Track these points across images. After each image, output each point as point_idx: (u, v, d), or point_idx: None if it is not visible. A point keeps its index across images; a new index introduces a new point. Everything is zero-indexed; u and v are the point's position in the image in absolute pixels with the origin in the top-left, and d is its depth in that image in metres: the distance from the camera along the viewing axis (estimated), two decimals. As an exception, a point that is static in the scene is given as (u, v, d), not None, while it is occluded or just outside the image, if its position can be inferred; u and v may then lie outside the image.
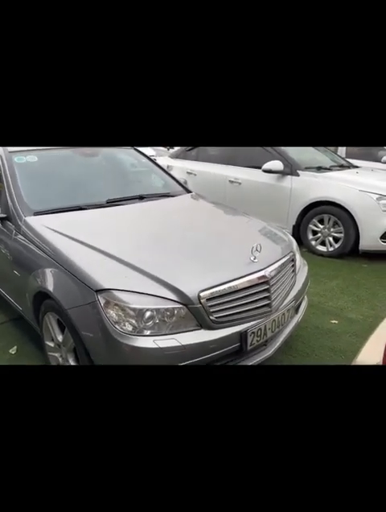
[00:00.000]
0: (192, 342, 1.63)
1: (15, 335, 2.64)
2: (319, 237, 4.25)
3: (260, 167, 4.42)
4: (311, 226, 4.26)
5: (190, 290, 1.67)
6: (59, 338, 1.95)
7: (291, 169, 4.31)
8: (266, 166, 4.34)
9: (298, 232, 4.34)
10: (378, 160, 6.14)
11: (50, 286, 1.84)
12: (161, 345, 1.57)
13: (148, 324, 1.61)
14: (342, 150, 6.56)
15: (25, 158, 2.52)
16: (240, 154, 4.78)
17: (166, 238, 2.11)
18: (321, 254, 4.22)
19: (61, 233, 2.00)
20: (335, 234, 4.12)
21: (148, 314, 1.61)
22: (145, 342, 1.58)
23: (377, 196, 3.84)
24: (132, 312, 1.59)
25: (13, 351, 2.46)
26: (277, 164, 4.29)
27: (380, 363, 1.19)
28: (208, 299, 1.69)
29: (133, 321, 1.60)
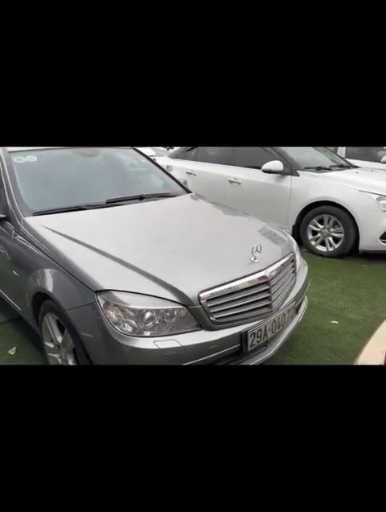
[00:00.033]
0: (192, 343, 1.62)
1: (14, 336, 2.63)
2: (319, 238, 4.24)
3: (259, 167, 4.42)
4: (311, 226, 4.26)
5: (190, 290, 1.67)
6: (59, 339, 1.95)
7: (291, 169, 4.31)
8: (266, 166, 4.33)
9: (298, 232, 4.34)
10: (377, 160, 6.14)
11: (49, 286, 1.83)
12: (161, 346, 1.57)
13: (148, 324, 1.60)
14: (341, 151, 6.56)
15: (24, 159, 2.51)
16: (240, 155, 4.78)
17: (165, 239, 2.10)
18: (321, 254, 4.21)
19: (60, 234, 1.99)
20: (335, 234, 4.12)
21: (148, 315, 1.60)
22: (145, 343, 1.57)
23: (377, 196, 3.84)
24: (132, 313, 1.59)
25: (12, 352, 2.45)
26: (276, 164, 4.29)
27: (382, 364, 1.19)
28: (208, 300, 1.69)
29: (133, 322, 1.59)
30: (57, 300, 1.76)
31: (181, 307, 1.65)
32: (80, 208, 2.31)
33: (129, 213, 2.42)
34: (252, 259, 1.91)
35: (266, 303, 1.88)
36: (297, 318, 2.23)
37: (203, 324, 1.68)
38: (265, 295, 1.88)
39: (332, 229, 4.12)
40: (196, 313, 1.66)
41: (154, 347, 1.56)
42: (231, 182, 4.77)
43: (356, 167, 4.96)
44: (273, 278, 1.92)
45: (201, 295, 1.67)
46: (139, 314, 1.59)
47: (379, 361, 1.21)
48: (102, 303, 1.60)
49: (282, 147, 4.47)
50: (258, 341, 1.84)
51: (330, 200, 4.02)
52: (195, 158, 5.30)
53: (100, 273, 1.70)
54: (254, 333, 1.80)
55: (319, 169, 4.38)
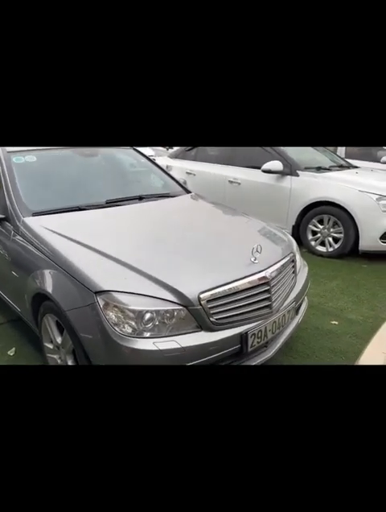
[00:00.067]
0: (192, 344, 1.62)
1: (14, 336, 2.62)
2: (319, 238, 4.24)
3: (259, 168, 4.41)
4: (311, 226, 4.25)
5: (191, 291, 1.66)
6: (58, 340, 1.94)
7: (290, 169, 4.31)
8: (266, 166, 4.33)
9: (298, 232, 4.34)
10: (377, 160, 6.14)
11: (49, 287, 1.82)
12: (161, 347, 1.56)
13: (148, 325, 1.59)
14: (341, 151, 6.56)
15: (23, 159, 2.51)
16: (240, 155, 4.77)
17: (165, 239, 2.09)
18: (320, 255, 4.21)
19: (60, 234, 1.99)
20: (335, 234, 4.11)
21: (148, 316, 1.59)
22: (145, 344, 1.56)
23: (377, 196, 3.84)
24: (131, 314, 1.58)
25: (11, 352, 2.44)
26: (276, 164, 4.29)
27: (384, 364, 1.18)
28: (208, 301, 1.68)
29: (133, 323, 1.58)
30: (56, 301, 1.75)
31: (181, 307, 1.64)
32: (79, 209, 2.30)
33: (129, 214, 2.41)
34: (253, 260, 1.91)
35: (266, 303, 1.87)
36: (298, 319, 2.23)
37: (204, 325, 1.68)
38: (266, 295, 1.88)
39: (332, 230, 4.12)
40: (196, 314, 1.66)
41: (154, 348, 1.56)
42: (230, 182, 4.77)
43: (356, 167, 4.96)
44: (273, 278, 1.92)
45: (201, 295, 1.67)
46: (139, 315, 1.58)
47: (380, 363, 1.20)
48: (102, 303, 1.60)
49: (282, 147, 4.46)
50: (258, 342, 1.83)
51: (329, 200, 4.02)
52: (195, 158, 5.30)
53: (100, 274, 1.69)
54: (254, 334, 1.79)
55: (319, 169, 4.37)
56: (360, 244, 3.93)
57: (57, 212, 2.23)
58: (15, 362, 2.35)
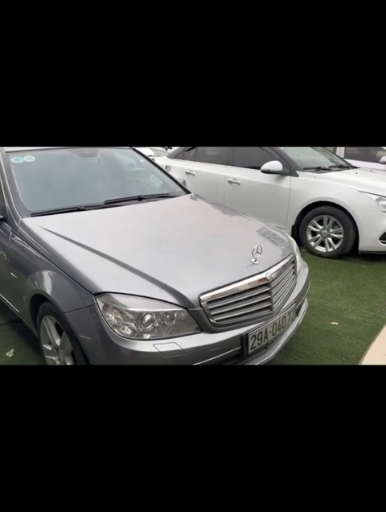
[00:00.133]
0: (193, 346, 1.60)
1: (12, 337, 2.61)
2: (318, 238, 4.23)
3: (259, 168, 4.40)
4: (310, 227, 4.25)
5: (191, 293, 1.65)
6: (57, 341, 1.92)
7: (290, 169, 4.30)
8: (265, 166, 4.32)
9: (297, 232, 4.33)
10: (376, 161, 6.13)
11: (47, 288, 1.81)
12: (161, 349, 1.55)
13: (147, 327, 1.58)
14: (340, 151, 6.55)
15: (22, 159, 2.49)
16: (239, 155, 4.76)
17: (165, 240, 2.08)
18: (320, 255, 4.20)
19: (59, 235, 1.97)
20: (335, 235, 4.11)
21: (147, 317, 1.58)
22: (145, 346, 1.55)
23: (376, 196, 3.83)
24: (131, 316, 1.57)
25: (10, 354, 2.42)
26: (276, 165, 4.28)
27: None
28: (209, 302, 1.67)
29: (133, 325, 1.57)
30: (55, 302, 1.74)
31: (181, 309, 1.63)
32: (78, 209, 2.29)
33: (128, 214, 2.40)
34: (253, 260, 1.89)
35: (267, 305, 1.86)
36: (298, 320, 2.22)
37: (204, 327, 1.66)
38: (266, 296, 1.86)
39: (331, 230, 4.11)
40: (197, 315, 1.64)
41: (154, 350, 1.54)
42: (230, 182, 4.76)
43: (355, 167, 4.95)
44: (273, 279, 1.91)
45: (201, 297, 1.65)
46: (139, 316, 1.57)
47: (383, 363, 1.19)
48: (101, 305, 1.58)
49: (281, 147, 4.46)
50: (259, 344, 1.82)
51: (329, 200, 4.01)
52: (194, 159, 5.28)
53: (99, 275, 1.68)
54: (255, 336, 1.78)
55: (318, 169, 4.37)
56: (360, 244, 3.93)
57: (56, 213, 2.22)
58: (14, 364, 2.33)
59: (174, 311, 1.62)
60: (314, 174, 4.24)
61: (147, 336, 1.58)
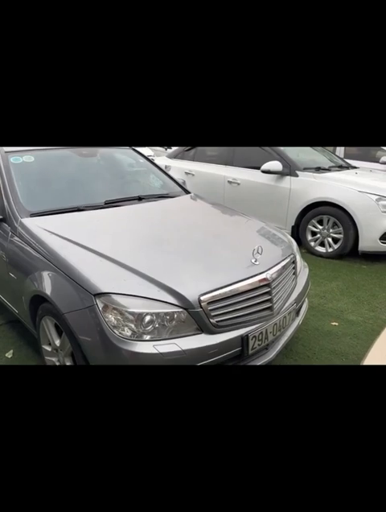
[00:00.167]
0: (193, 347, 1.60)
1: (12, 338, 2.60)
2: (318, 238, 4.23)
3: (258, 168, 4.40)
4: (310, 227, 4.24)
5: (191, 293, 1.64)
6: (57, 342, 1.92)
7: (290, 170, 4.30)
8: (265, 166, 4.31)
9: (297, 233, 4.32)
10: (376, 161, 6.14)
11: (47, 289, 1.80)
12: (161, 350, 1.54)
13: (147, 328, 1.57)
14: (340, 151, 6.55)
15: (21, 159, 2.48)
16: (239, 155, 4.75)
17: (165, 240, 2.07)
18: (320, 255, 4.20)
19: (58, 235, 1.96)
20: (334, 235, 4.10)
21: (147, 318, 1.57)
22: (145, 347, 1.54)
23: (376, 196, 3.83)
24: (131, 317, 1.56)
25: (9, 355, 2.42)
26: (275, 165, 4.27)
27: None
28: (209, 303, 1.66)
29: (133, 326, 1.56)
30: (55, 303, 1.73)
31: (181, 310, 1.62)
32: (78, 209, 2.28)
33: (128, 214, 2.39)
34: (253, 261, 1.89)
35: (267, 305, 1.86)
36: (298, 320, 2.21)
37: (204, 328, 1.66)
38: (266, 297, 1.86)
39: (331, 230, 4.11)
40: (197, 316, 1.64)
41: (154, 351, 1.53)
42: (230, 182, 4.75)
43: (355, 167, 4.95)
44: (273, 280, 1.90)
45: (202, 297, 1.65)
46: (138, 317, 1.56)
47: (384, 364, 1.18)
48: (101, 306, 1.57)
49: (281, 148, 4.45)
50: (259, 344, 1.82)
51: (329, 200, 4.01)
52: (194, 159, 5.28)
53: (99, 275, 1.67)
54: (255, 336, 1.77)
55: (318, 170, 4.36)
56: (360, 244, 3.92)
57: (55, 213, 2.21)
58: (13, 364, 2.33)
59: (174, 312, 1.61)
60: (314, 174, 4.24)
61: (147, 337, 1.57)
